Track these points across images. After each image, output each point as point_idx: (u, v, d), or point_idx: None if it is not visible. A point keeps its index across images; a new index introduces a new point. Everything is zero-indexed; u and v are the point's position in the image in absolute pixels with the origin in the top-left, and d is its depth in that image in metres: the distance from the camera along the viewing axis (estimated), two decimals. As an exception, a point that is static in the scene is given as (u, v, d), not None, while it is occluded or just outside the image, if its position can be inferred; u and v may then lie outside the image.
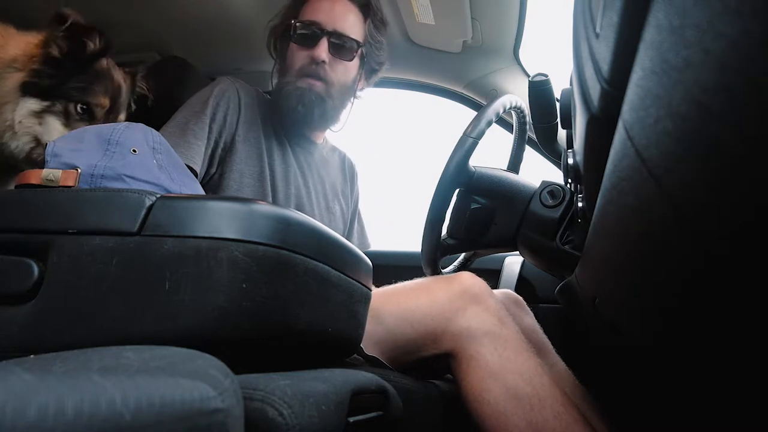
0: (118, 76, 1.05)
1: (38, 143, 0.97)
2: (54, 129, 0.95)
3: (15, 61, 0.94)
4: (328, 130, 1.39)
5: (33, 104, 0.94)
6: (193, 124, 1.12)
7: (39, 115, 0.95)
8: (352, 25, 1.23)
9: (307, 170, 1.33)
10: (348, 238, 1.48)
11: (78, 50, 0.95)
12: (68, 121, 0.96)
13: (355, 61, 1.26)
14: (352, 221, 1.52)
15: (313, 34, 1.20)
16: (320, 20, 1.20)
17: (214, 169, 1.17)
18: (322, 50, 1.20)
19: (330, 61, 1.21)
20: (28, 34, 0.98)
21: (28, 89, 0.93)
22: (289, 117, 1.25)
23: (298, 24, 1.22)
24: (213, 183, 1.18)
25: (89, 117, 0.98)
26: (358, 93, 1.35)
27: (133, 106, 1.12)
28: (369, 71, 1.33)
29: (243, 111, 1.20)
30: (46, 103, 0.94)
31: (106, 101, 1.00)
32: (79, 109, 0.96)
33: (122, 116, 1.06)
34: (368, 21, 1.27)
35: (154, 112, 1.20)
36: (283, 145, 1.29)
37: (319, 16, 1.21)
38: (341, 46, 1.21)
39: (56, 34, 0.93)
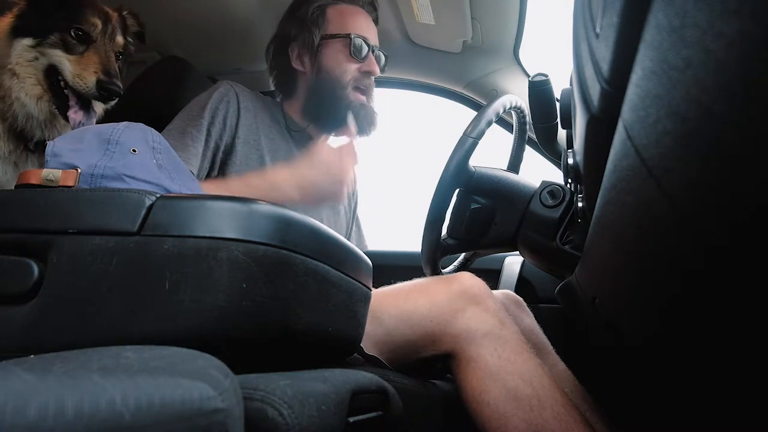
0: (101, 6, 1.10)
1: (44, 91, 1.02)
2: (57, 56, 1.02)
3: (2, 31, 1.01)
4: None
5: (27, 41, 1.01)
6: (191, 128, 1.13)
7: (36, 49, 1.01)
8: (376, 38, 1.33)
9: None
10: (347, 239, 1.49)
11: None
12: (68, 47, 1.02)
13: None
14: (350, 223, 1.53)
15: (364, 48, 1.27)
16: (366, 35, 1.28)
17: (215, 173, 1.18)
18: (376, 65, 1.29)
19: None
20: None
21: (18, 32, 1.00)
22: (336, 128, 1.29)
23: (354, 37, 1.27)
24: None
25: (87, 40, 1.04)
26: None
27: (130, 40, 1.17)
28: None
29: (242, 114, 1.22)
30: (39, 38, 1.01)
31: (96, 21, 1.06)
32: (74, 35, 1.03)
33: (119, 38, 1.12)
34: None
35: (154, 111, 1.20)
36: (288, 147, 1.30)
37: (364, 31, 1.28)
38: (380, 61, 1.31)
39: None
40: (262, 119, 1.26)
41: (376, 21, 1.36)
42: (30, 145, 1.05)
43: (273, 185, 1.06)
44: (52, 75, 1.02)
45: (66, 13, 1.02)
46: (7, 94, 1.00)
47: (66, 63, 1.01)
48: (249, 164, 1.20)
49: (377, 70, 1.28)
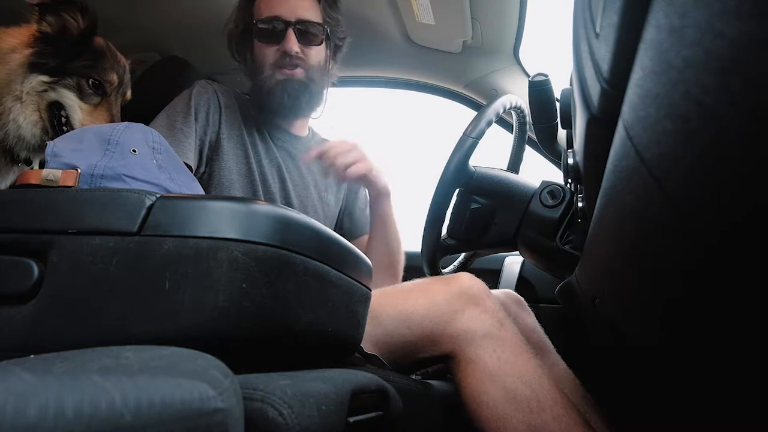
0: (120, 56, 1.11)
1: (41, 119, 1.03)
2: (69, 99, 1.02)
3: (14, 49, 1.00)
4: (310, 120, 1.41)
5: (43, 78, 1.01)
6: (180, 124, 1.14)
7: (50, 86, 1.01)
8: (310, 9, 1.24)
9: (292, 163, 1.33)
10: (349, 222, 1.46)
11: (64, 27, 1.01)
12: (82, 95, 1.03)
13: (323, 44, 1.27)
14: (351, 205, 1.48)
15: (277, 29, 1.21)
16: (281, 13, 1.21)
17: (203, 168, 1.19)
18: (293, 42, 1.20)
19: (301, 50, 1.22)
20: (26, 27, 1.03)
21: (36, 68, 1.00)
22: (278, 111, 1.26)
23: (259, 22, 1.22)
24: (203, 182, 1.19)
25: (102, 92, 1.05)
26: (331, 75, 1.35)
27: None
28: (334, 49, 1.34)
29: (223, 110, 1.22)
30: (55, 78, 1.01)
31: (114, 77, 1.06)
32: (90, 84, 1.03)
33: (128, 93, 1.13)
34: (322, 2, 1.28)
35: (154, 111, 1.20)
36: (266, 142, 1.30)
37: (278, 10, 1.21)
38: (308, 33, 1.22)
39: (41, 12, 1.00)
40: (242, 115, 1.27)
41: None
42: (17, 158, 1.06)
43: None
44: (54, 109, 1.03)
45: (88, 62, 1.02)
46: (5, 112, 1.01)
47: (77, 110, 1.02)
48: (236, 159, 1.21)
49: (291, 47, 1.20)
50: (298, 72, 1.22)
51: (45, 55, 1.00)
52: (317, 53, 1.26)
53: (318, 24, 1.24)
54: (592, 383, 1.06)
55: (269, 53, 1.22)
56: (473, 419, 0.84)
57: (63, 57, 1.00)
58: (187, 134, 1.14)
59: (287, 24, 1.20)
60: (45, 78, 1.00)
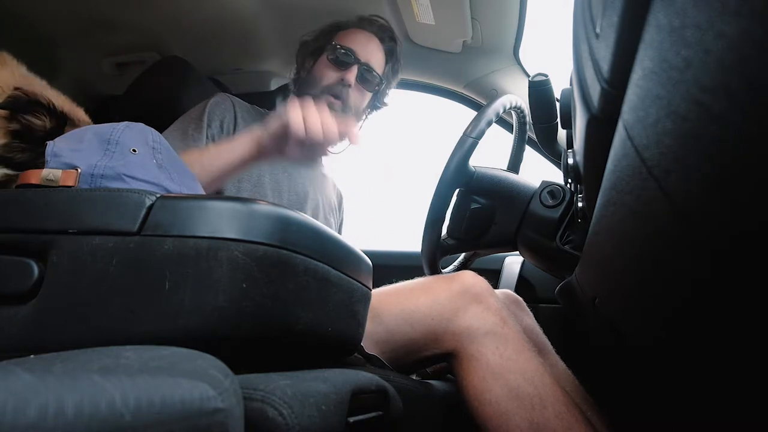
0: None
1: None
2: None
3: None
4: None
5: (6, 170, 0.98)
6: (192, 130, 1.17)
7: (11, 178, 0.99)
8: (378, 62, 1.36)
9: (307, 181, 1.38)
10: None
11: (29, 127, 0.99)
12: None
13: (371, 94, 1.37)
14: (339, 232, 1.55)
15: (347, 59, 1.31)
16: (356, 50, 1.31)
17: None
18: (352, 75, 1.30)
19: (354, 87, 1.31)
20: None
21: (2, 161, 0.98)
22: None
23: (337, 46, 1.32)
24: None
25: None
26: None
27: None
28: (373, 107, 1.44)
29: (239, 122, 1.26)
30: (17, 172, 0.99)
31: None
32: (45, 181, 1.01)
33: None
34: (389, 65, 1.40)
35: (154, 111, 1.21)
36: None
37: (356, 46, 1.32)
38: (366, 77, 1.33)
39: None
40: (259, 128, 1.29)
41: (389, 53, 1.39)
42: None
43: (230, 145, 1.00)
44: None
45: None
46: None
47: None
48: (247, 171, 1.22)
49: (350, 79, 1.29)
50: (337, 104, 1.29)
51: (13, 149, 0.97)
52: (361, 98, 1.35)
53: (378, 75, 1.35)
54: (592, 383, 1.06)
55: (329, 76, 1.30)
56: (475, 417, 0.84)
57: (29, 153, 1.00)
58: (198, 140, 1.16)
59: (357, 61, 1.30)
60: (8, 171, 0.99)
